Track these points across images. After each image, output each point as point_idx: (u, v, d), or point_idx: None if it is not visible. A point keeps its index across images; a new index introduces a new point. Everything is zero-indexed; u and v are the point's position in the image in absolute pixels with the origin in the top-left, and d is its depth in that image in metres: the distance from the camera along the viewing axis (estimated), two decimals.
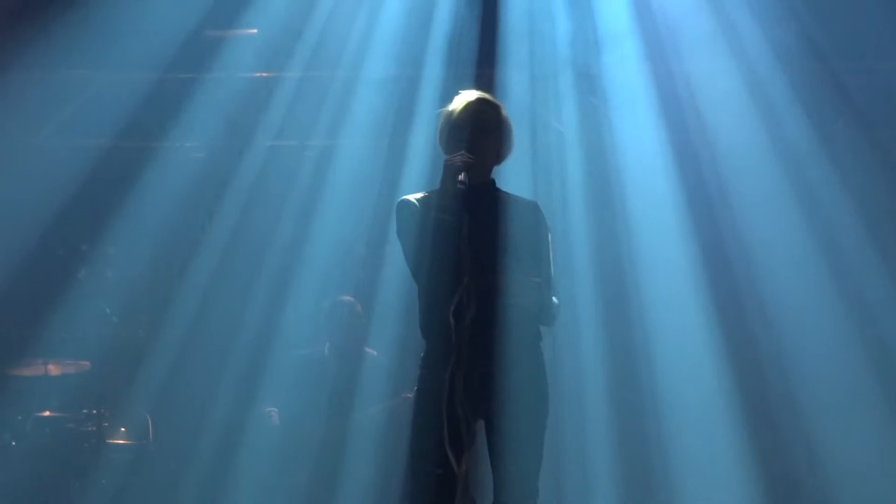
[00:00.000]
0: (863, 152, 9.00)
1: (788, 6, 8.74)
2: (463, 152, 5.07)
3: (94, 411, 8.68)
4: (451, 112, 5.25)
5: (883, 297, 8.93)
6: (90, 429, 8.63)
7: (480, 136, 5.16)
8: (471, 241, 5.01)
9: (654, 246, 9.11)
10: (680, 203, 9.15)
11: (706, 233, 9.16)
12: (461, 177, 5.01)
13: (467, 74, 8.82)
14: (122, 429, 8.82)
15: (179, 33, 8.98)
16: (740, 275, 9.20)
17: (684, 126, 9.22)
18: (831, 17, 8.68)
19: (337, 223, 9.32)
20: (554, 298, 5.16)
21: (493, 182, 5.27)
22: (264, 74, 9.35)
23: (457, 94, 5.36)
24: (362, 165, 9.40)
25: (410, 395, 5.27)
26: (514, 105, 8.24)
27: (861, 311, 8.96)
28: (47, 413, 8.68)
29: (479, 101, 5.26)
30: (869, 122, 9.00)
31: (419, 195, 5.22)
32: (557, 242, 5.27)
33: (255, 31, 9.25)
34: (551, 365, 5.28)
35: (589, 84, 9.25)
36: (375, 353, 8.67)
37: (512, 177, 5.57)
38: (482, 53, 8.88)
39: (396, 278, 8.84)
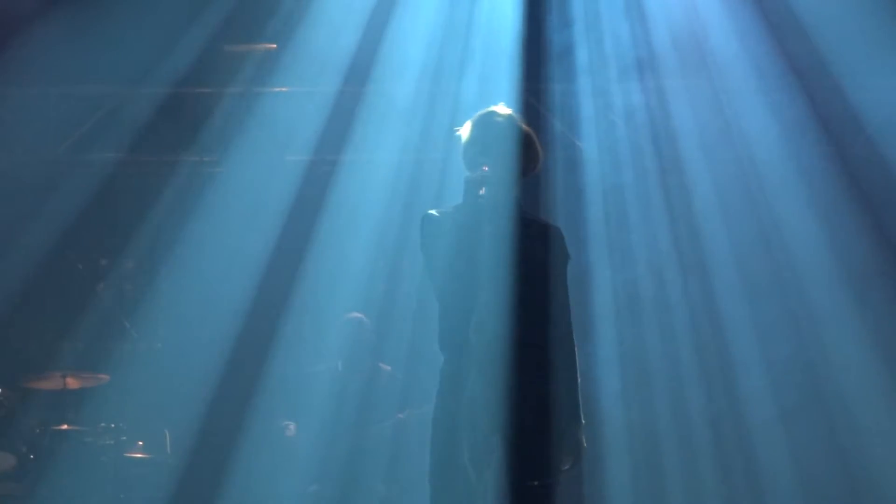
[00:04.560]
0: None
1: None
2: (484, 167, 5.08)
3: (112, 425, 8.69)
4: (471, 128, 5.24)
5: None
6: (108, 442, 8.64)
7: (499, 149, 5.15)
8: (493, 259, 5.00)
9: (673, 263, 9.15)
10: (707, 215, 9.20)
11: (737, 237, 9.20)
12: (482, 191, 5.02)
13: (488, 89, 8.84)
14: (140, 443, 8.82)
15: (198, 48, 9.02)
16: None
17: (701, 143, 9.25)
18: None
19: (354, 239, 9.33)
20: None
21: (519, 200, 5.19)
22: (283, 90, 9.37)
23: (477, 109, 5.36)
24: (380, 180, 9.40)
25: (426, 409, 5.25)
26: (534, 120, 8.28)
27: None
28: (65, 426, 8.68)
29: (496, 114, 5.24)
30: None
31: (443, 209, 5.20)
32: (574, 266, 5.25)
33: (275, 46, 9.29)
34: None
35: (610, 101, 9.29)
36: (389, 368, 8.67)
37: (529, 192, 5.54)
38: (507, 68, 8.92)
39: (414, 293, 8.86)
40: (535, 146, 5.25)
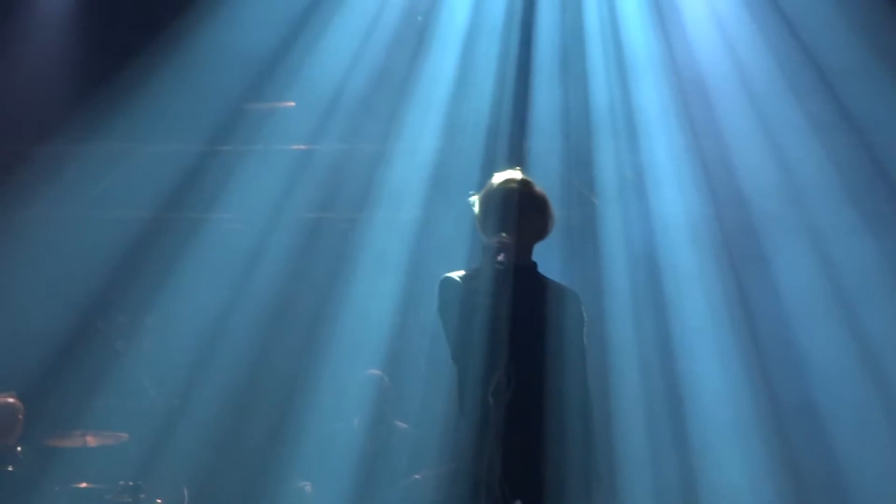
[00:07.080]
0: None
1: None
2: (502, 234, 5.13)
3: (131, 483, 8.68)
4: (486, 195, 5.31)
5: None
6: (127, 500, 8.61)
7: (516, 216, 5.21)
8: (510, 323, 5.04)
9: (693, 322, 9.14)
10: (717, 274, 9.19)
11: (743, 300, 9.19)
12: (500, 258, 5.07)
13: (501, 146, 8.89)
14: (159, 501, 8.79)
15: (220, 107, 9.12)
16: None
17: (720, 197, 9.27)
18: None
19: (371, 296, 9.36)
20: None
21: (535, 265, 5.28)
22: (301, 147, 9.45)
23: (491, 169, 5.41)
24: (398, 238, 9.44)
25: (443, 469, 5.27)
26: (547, 176, 8.33)
27: None
28: (84, 484, 8.68)
29: (511, 181, 5.31)
30: None
31: (461, 273, 5.24)
32: (592, 329, 5.29)
33: (293, 104, 9.37)
34: None
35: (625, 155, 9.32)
36: (406, 426, 8.67)
37: (544, 250, 5.56)
38: (515, 125, 8.97)
39: (432, 351, 8.86)
40: (548, 211, 5.32)
